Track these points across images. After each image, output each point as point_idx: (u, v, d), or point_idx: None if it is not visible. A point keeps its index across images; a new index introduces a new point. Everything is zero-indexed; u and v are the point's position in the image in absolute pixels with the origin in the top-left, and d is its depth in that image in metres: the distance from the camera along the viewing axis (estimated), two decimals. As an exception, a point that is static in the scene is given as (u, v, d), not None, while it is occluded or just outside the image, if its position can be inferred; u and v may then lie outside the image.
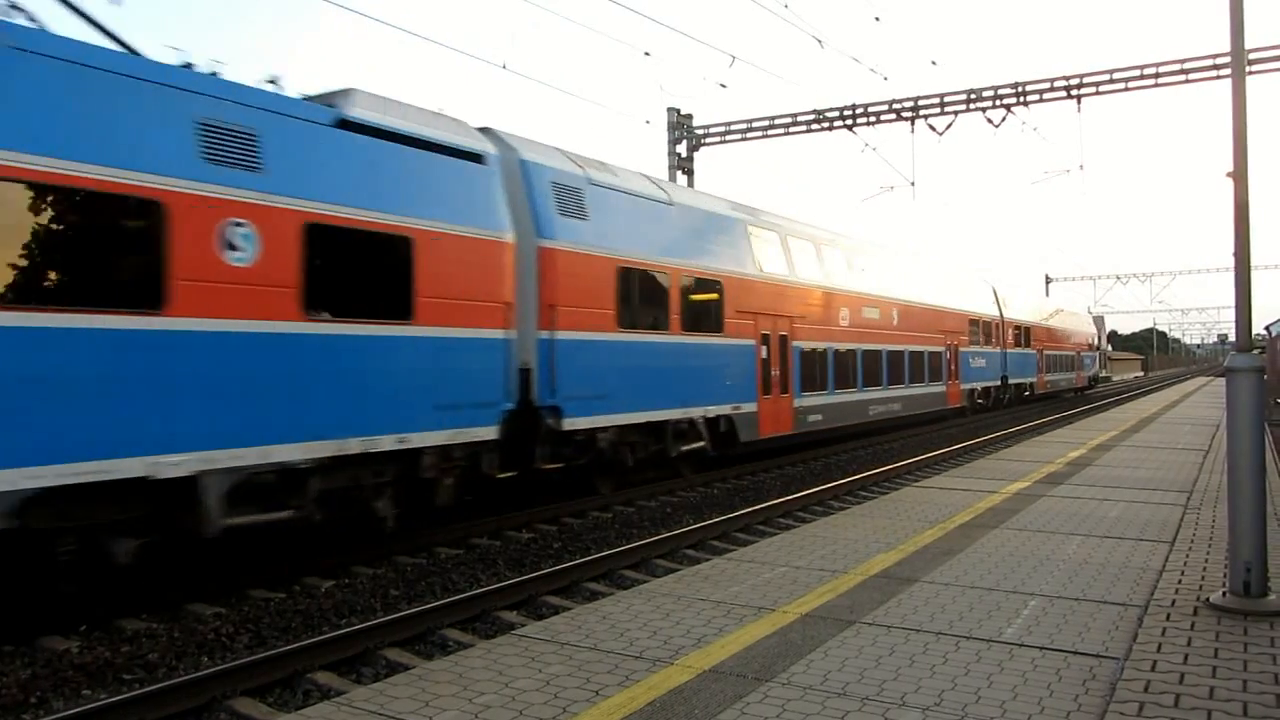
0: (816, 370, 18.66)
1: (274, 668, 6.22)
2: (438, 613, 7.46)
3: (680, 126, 26.90)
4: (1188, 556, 6.76)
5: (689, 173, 26.87)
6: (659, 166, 27.36)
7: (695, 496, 14.07)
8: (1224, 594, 5.46)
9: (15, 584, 7.18)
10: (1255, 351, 5.70)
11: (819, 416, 18.69)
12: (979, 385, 29.83)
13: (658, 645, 4.91)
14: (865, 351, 20.89)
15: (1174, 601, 5.52)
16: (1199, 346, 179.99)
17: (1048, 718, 3.85)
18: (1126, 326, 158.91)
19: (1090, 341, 51.54)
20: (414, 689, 4.33)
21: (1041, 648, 4.77)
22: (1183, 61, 21.78)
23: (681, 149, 26.95)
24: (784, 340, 17.35)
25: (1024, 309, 36.58)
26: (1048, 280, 73.25)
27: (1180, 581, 6.01)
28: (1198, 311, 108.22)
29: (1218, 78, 21.50)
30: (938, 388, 25.71)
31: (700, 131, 26.98)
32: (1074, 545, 7.29)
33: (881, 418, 22.07)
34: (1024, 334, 35.36)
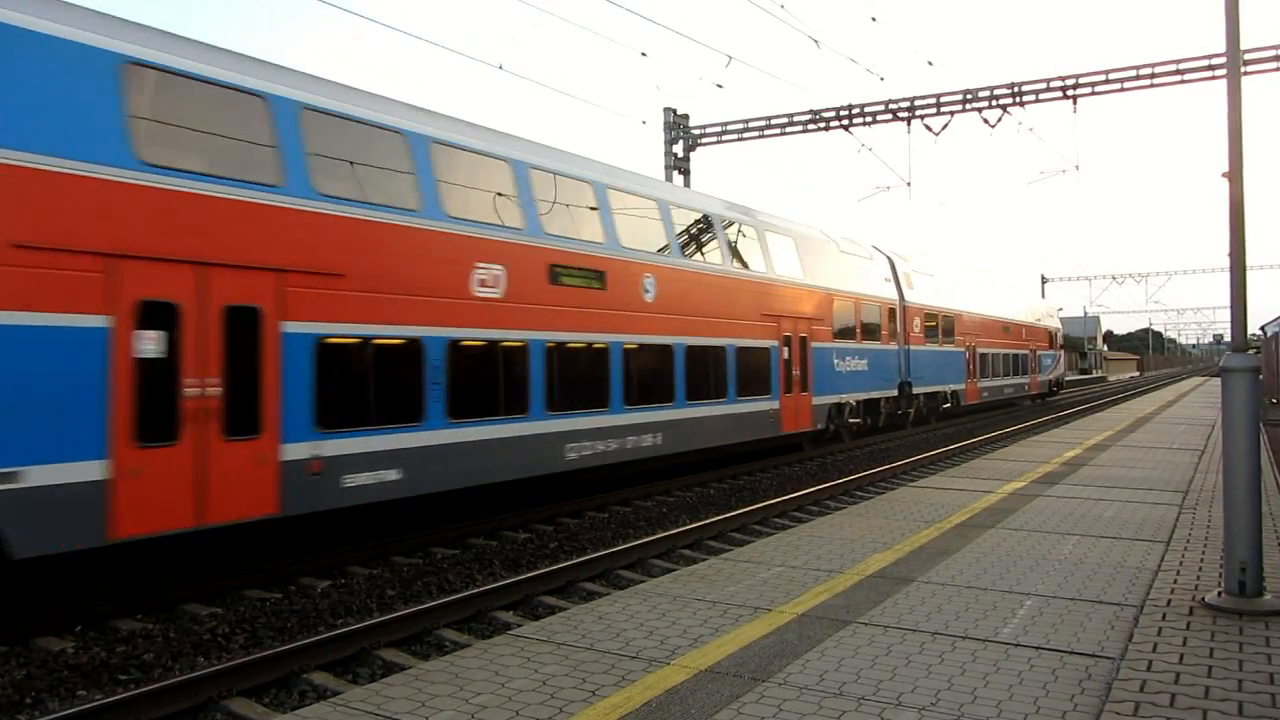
0: (378, 381, 9.70)
1: (270, 668, 6.22)
2: (434, 613, 7.45)
3: (677, 127, 26.92)
4: (1183, 556, 6.77)
5: (685, 173, 26.90)
6: (656, 166, 27.42)
7: (692, 497, 14.07)
8: (1219, 594, 5.48)
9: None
10: (1251, 351, 5.71)
11: (393, 474, 9.66)
12: (854, 398, 20.65)
13: (654, 645, 4.90)
14: (559, 347, 12.08)
15: (1169, 601, 5.53)
16: (1194, 346, 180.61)
17: (1044, 717, 3.85)
18: (1122, 326, 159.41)
19: (1051, 336, 41.15)
20: (410, 689, 4.33)
21: (1037, 647, 4.77)
22: (1178, 62, 21.82)
23: (678, 149, 26.97)
24: (246, 318, 8.38)
25: (943, 291, 27.44)
26: (1044, 280, 73.41)
27: (1176, 581, 6.02)
28: (1193, 311, 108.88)
29: (1213, 78, 21.55)
30: (760, 404, 16.77)
31: (697, 131, 27.00)
32: (1070, 545, 7.30)
33: (605, 462, 12.93)
34: (943, 325, 26.80)
